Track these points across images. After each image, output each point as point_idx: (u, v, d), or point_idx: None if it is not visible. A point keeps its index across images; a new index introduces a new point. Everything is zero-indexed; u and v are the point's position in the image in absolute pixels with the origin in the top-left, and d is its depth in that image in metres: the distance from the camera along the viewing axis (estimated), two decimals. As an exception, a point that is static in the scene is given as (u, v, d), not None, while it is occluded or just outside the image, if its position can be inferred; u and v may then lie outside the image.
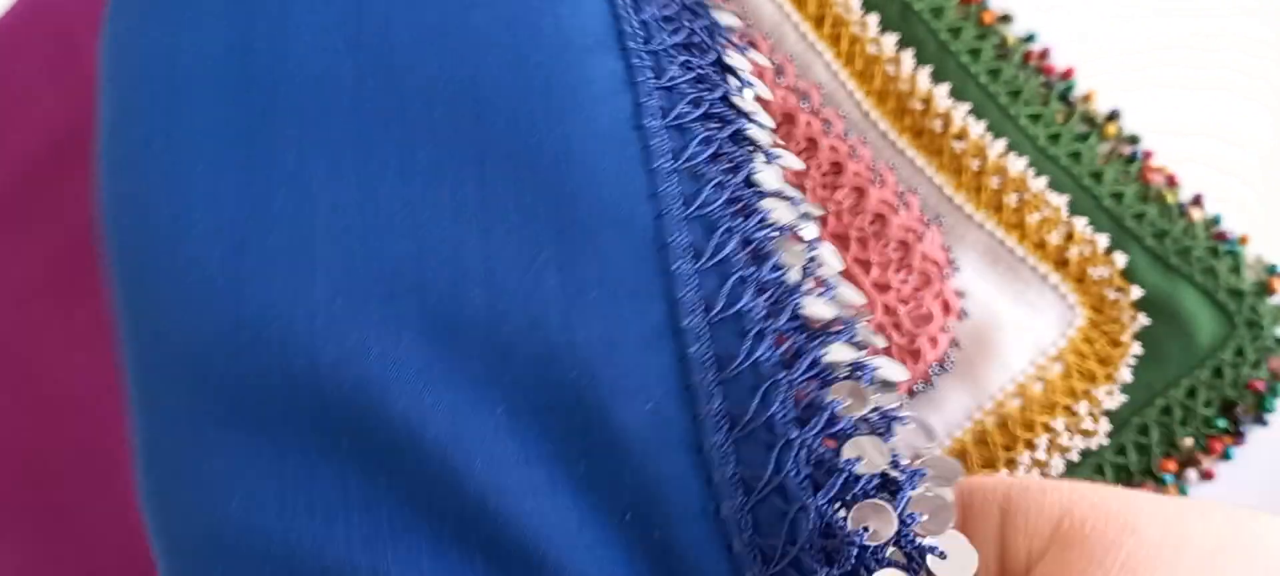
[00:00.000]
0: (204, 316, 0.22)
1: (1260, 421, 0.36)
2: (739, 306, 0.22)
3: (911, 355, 0.36)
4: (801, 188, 0.36)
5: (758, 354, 0.21)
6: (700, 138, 0.23)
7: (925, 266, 0.36)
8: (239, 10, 0.25)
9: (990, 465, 0.36)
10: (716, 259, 0.22)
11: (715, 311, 0.22)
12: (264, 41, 0.24)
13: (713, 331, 0.22)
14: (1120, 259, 0.37)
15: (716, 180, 0.23)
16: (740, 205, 0.23)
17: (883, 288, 0.36)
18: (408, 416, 0.21)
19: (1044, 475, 0.36)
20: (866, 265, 0.36)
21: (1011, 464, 0.36)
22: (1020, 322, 0.37)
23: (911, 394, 0.36)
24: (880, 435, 0.21)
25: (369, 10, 0.25)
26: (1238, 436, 0.36)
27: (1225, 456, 0.36)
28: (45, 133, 0.40)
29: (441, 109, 0.23)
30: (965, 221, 0.38)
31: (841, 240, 0.36)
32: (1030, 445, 0.36)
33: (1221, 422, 0.36)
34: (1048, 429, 0.36)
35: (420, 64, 0.24)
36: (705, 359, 0.21)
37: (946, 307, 0.36)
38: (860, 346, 0.23)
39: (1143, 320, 0.37)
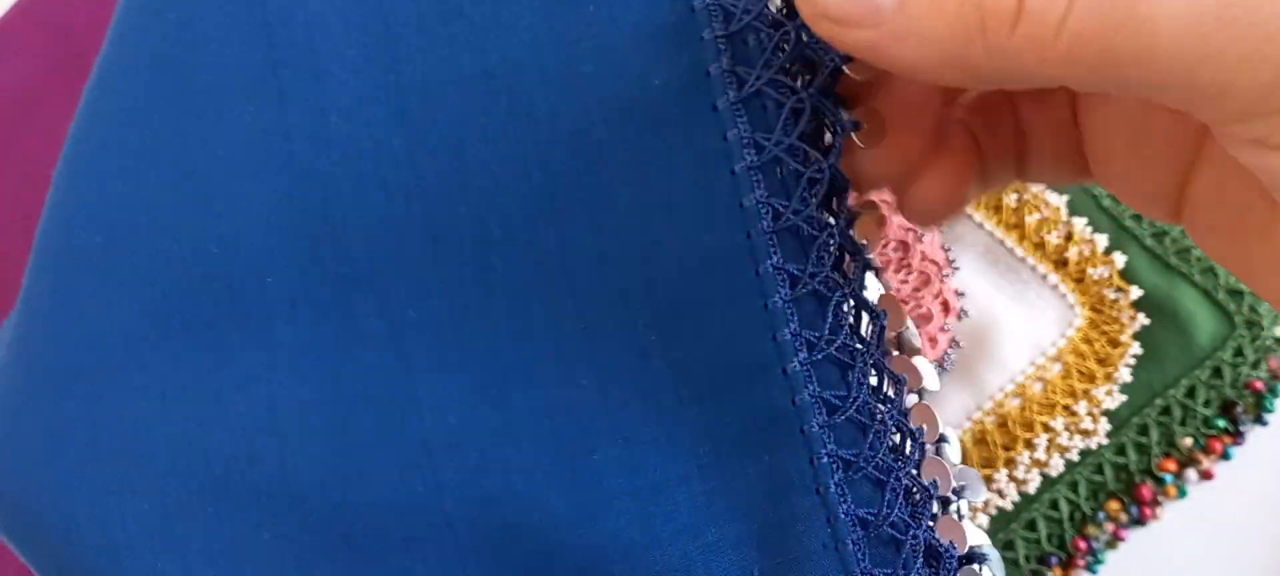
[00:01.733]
0: None
1: (1260, 421, 0.36)
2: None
3: (911, 355, 0.36)
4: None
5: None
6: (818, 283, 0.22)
7: (925, 266, 0.36)
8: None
9: (990, 464, 0.36)
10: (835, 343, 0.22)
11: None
12: None
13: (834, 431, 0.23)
14: (1119, 259, 0.37)
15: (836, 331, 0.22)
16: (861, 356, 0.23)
17: (882, 287, 0.36)
18: None
19: (1043, 475, 0.36)
20: (866, 265, 0.36)
21: (1011, 463, 0.36)
22: (1020, 322, 0.37)
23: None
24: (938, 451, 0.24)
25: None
26: (1237, 436, 0.36)
27: (1225, 456, 0.36)
28: (47, 132, 0.40)
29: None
30: (965, 221, 0.38)
31: (841, 240, 0.36)
32: (1030, 445, 0.36)
33: (1221, 422, 0.36)
34: (1047, 428, 0.36)
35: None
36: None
37: (946, 307, 0.36)
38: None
39: (1142, 320, 0.37)
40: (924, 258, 0.36)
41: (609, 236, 0.22)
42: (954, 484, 0.23)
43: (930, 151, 0.21)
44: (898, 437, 0.22)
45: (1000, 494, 0.36)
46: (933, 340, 0.36)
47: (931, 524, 0.22)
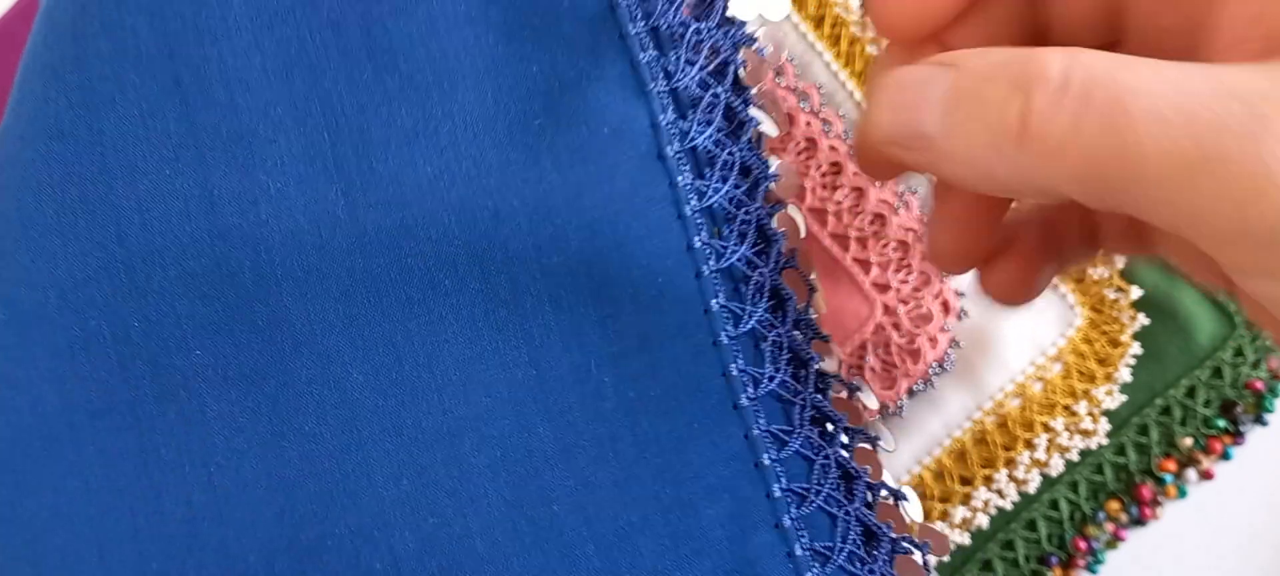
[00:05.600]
0: None
1: (1260, 421, 0.36)
2: (780, 377, 0.23)
3: (911, 355, 0.36)
4: (802, 189, 0.36)
5: (803, 432, 0.23)
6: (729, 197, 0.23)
7: (925, 266, 0.36)
8: None
9: (990, 464, 0.36)
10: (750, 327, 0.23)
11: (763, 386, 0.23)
12: None
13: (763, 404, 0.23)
14: (1119, 259, 0.37)
15: (754, 276, 0.23)
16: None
17: (882, 288, 0.36)
18: None
19: (1043, 475, 0.36)
20: (866, 265, 0.36)
21: (1011, 463, 0.36)
22: (1019, 323, 0.37)
23: (911, 394, 0.36)
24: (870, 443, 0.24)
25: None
26: (1237, 436, 0.36)
27: (1225, 456, 0.36)
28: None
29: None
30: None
31: (841, 240, 0.36)
32: (1030, 445, 0.36)
33: (1221, 422, 0.36)
34: (1047, 429, 0.36)
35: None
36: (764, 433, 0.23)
37: (946, 307, 0.36)
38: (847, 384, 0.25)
39: (1142, 320, 0.37)
40: (924, 257, 0.36)
41: (561, 278, 0.22)
42: (917, 539, 0.23)
43: (1002, 244, 0.22)
44: (842, 472, 0.23)
45: (1000, 494, 0.36)
46: (933, 340, 0.36)
47: (888, 563, 0.23)
